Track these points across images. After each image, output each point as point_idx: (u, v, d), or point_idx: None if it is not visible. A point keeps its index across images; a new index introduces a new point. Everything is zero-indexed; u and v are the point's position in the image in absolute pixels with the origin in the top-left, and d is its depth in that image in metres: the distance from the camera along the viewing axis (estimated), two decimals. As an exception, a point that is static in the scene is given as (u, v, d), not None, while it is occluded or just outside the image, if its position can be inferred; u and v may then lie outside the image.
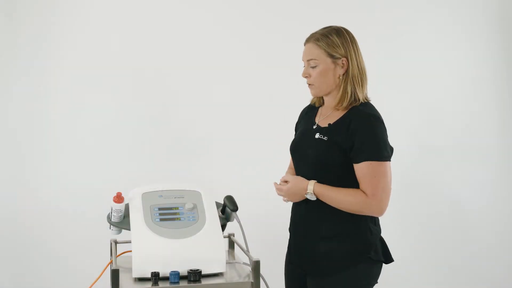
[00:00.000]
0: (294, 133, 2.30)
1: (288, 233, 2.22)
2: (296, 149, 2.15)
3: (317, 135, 2.04)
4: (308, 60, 2.05)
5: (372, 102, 2.14)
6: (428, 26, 3.70)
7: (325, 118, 2.09)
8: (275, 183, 2.09)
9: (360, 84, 2.04)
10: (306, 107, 2.26)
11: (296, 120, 2.30)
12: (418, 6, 3.68)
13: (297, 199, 2.05)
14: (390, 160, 1.99)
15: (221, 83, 3.48)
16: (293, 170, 2.21)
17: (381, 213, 1.99)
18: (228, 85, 3.49)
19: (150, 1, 3.44)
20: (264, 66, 3.48)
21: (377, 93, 2.19)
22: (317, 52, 2.02)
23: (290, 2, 3.53)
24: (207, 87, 3.48)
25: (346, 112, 2.03)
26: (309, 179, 2.02)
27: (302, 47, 2.14)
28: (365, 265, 2.01)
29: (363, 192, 1.96)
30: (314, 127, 2.09)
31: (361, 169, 1.96)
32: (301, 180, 2.02)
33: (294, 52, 2.25)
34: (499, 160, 3.80)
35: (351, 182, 1.99)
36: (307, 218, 2.07)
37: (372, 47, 3.49)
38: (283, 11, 3.53)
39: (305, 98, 2.23)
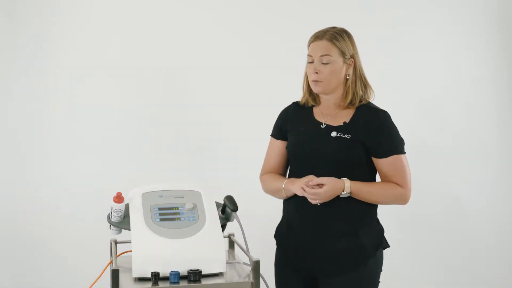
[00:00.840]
0: (273, 134, 2.25)
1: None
2: (306, 150, 2.10)
3: (333, 134, 2.05)
4: (321, 56, 2.05)
5: (372, 101, 2.15)
6: (428, 26, 3.69)
7: (332, 117, 2.09)
8: (307, 188, 2.00)
9: (366, 85, 2.12)
10: (289, 108, 2.24)
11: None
12: (418, 6, 3.68)
13: (329, 199, 2.02)
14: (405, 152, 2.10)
15: (221, 83, 3.48)
16: (277, 175, 2.19)
17: (407, 202, 2.10)
18: (228, 85, 3.49)
19: (150, 1, 3.43)
20: (264, 66, 3.48)
21: (377, 93, 2.19)
22: (333, 50, 2.06)
23: (290, 2, 3.53)
24: (207, 87, 3.48)
25: (357, 110, 2.08)
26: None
27: (302, 47, 2.14)
28: (379, 254, 2.10)
29: (397, 184, 2.05)
30: (323, 126, 2.09)
31: (390, 163, 2.04)
32: (336, 180, 2.00)
33: (295, 52, 2.26)
34: (499, 160, 3.80)
35: (369, 177, 2.08)
36: (319, 217, 2.05)
37: (372, 47, 3.50)
38: (283, 11, 3.52)
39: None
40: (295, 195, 2.10)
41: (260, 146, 2.50)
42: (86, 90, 3.37)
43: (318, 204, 2.03)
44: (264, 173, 2.26)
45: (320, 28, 2.14)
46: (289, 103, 2.28)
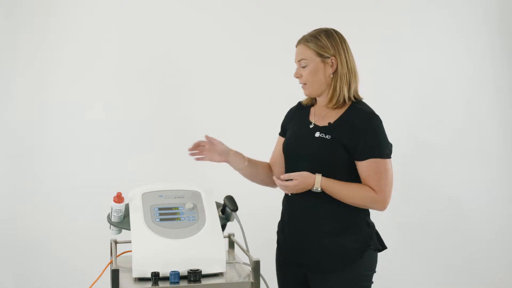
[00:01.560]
0: (279, 132, 2.29)
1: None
2: (292, 149, 2.14)
3: (317, 134, 2.06)
4: (299, 61, 2.11)
5: (372, 101, 2.15)
6: (428, 26, 3.69)
7: (322, 117, 2.11)
8: (277, 180, 2.05)
9: (348, 83, 2.09)
10: (293, 107, 2.28)
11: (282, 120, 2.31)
12: (418, 6, 3.68)
13: (301, 192, 2.04)
14: (391, 157, 2.05)
15: (221, 84, 3.48)
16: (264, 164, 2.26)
17: (385, 208, 2.05)
18: (228, 85, 3.49)
19: (151, 4, 3.43)
20: (264, 66, 3.48)
21: (377, 93, 2.20)
22: (307, 52, 2.09)
23: (290, 3, 3.53)
24: (207, 87, 3.48)
25: (345, 111, 2.07)
26: None
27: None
28: (367, 256, 2.07)
29: (370, 188, 2.02)
30: (311, 126, 2.11)
31: (366, 166, 2.01)
32: (307, 175, 2.01)
33: (295, 52, 2.26)
34: (499, 160, 3.80)
35: (351, 179, 2.05)
36: (306, 214, 2.07)
37: (372, 47, 3.51)
38: (283, 12, 3.52)
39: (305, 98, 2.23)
40: (285, 194, 2.14)
41: (260, 145, 2.52)
42: (86, 90, 3.37)
43: (290, 194, 2.07)
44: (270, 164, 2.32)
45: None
46: (289, 102, 2.30)
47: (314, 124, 2.11)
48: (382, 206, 2.04)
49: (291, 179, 2.02)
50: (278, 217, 2.24)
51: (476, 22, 3.75)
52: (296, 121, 2.20)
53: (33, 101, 3.34)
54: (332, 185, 2.02)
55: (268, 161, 2.33)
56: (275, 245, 2.25)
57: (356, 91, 2.11)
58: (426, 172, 3.67)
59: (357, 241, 2.06)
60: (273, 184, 2.23)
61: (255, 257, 1.83)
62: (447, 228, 3.71)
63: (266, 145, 2.37)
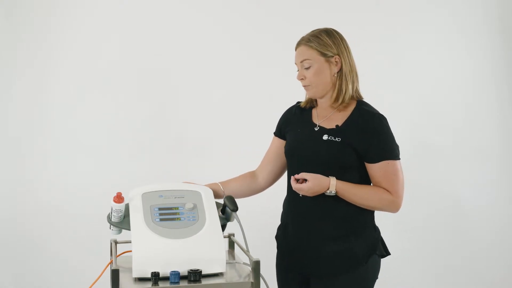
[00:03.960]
0: (274, 132, 2.27)
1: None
2: (297, 152, 2.10)
3: (325, 137, 2.03)
4: (301, 62, 2.07)
5: (372, 102, 2.15)
6: (428, 26, 3.70)
7: (326, 119, 2.08)
8: (293, 182, 2.00)
9: (352, 82, 2.07)
10: (292, 108, 2.24)
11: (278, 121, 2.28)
12: (418, 6, 3.68)
13: (314, 195, 2.00)
14: (400, 158, 2.04)
15: (221, 84, 3.49)
16: (241, 176, 2.26)
17: (398, 210, 2.04)
18: (228, 86, 3.49)
19: (151, 4, 3.43)
20: (264, 66, 3.48)
21: (377, 93, 2.20)
22: (310, 53, 2.06)
23: (290, 3, 3.53)
24: (207, 88, 3.48)
25: (352, 113, 2.05)
26: None
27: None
28: (372, 261, 2.05)
29: (384, 189, 2.00)
30: (316, 129, 2.08)
31: (380, 168, 1.99)
32: (321, 178, 1.97)
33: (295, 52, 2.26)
34: (499, 160, 3.80)
35: (362, 181, 2.04)
36: (312, 218, 2.04)
37: (372, 47, 3.51)
38: (283, 12, 3.53)
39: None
40: (288, 196, 2.13)
41: (260, 146, 2.52)
42: (85, 90, 3.37)
43: (301, 195, 2.02)
44: (258, 167, 2.30)
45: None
46: (289, 102, 2.28)
47: (319, 126, 2.08)
48: (396, 208, 2.02)
49: (305, 181, 1.97)
50: (278, 218, 2.23)
51: (476, 22, 3.75)
52: (298, 124, 2.16)
53: (33, 101, 3.34)
54: (347, 188, 1.98)
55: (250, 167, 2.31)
56: (275, 245, 2.24)
57: (358, 90, 2.10)
58: (426, 172, 3.67)
59: (365, 245, 2.03)
60: (256, 192, 2.25)
61: (255, 257, 1.83)
62: (447, 228, 3.71)
63: (266, 145, 2.36)
